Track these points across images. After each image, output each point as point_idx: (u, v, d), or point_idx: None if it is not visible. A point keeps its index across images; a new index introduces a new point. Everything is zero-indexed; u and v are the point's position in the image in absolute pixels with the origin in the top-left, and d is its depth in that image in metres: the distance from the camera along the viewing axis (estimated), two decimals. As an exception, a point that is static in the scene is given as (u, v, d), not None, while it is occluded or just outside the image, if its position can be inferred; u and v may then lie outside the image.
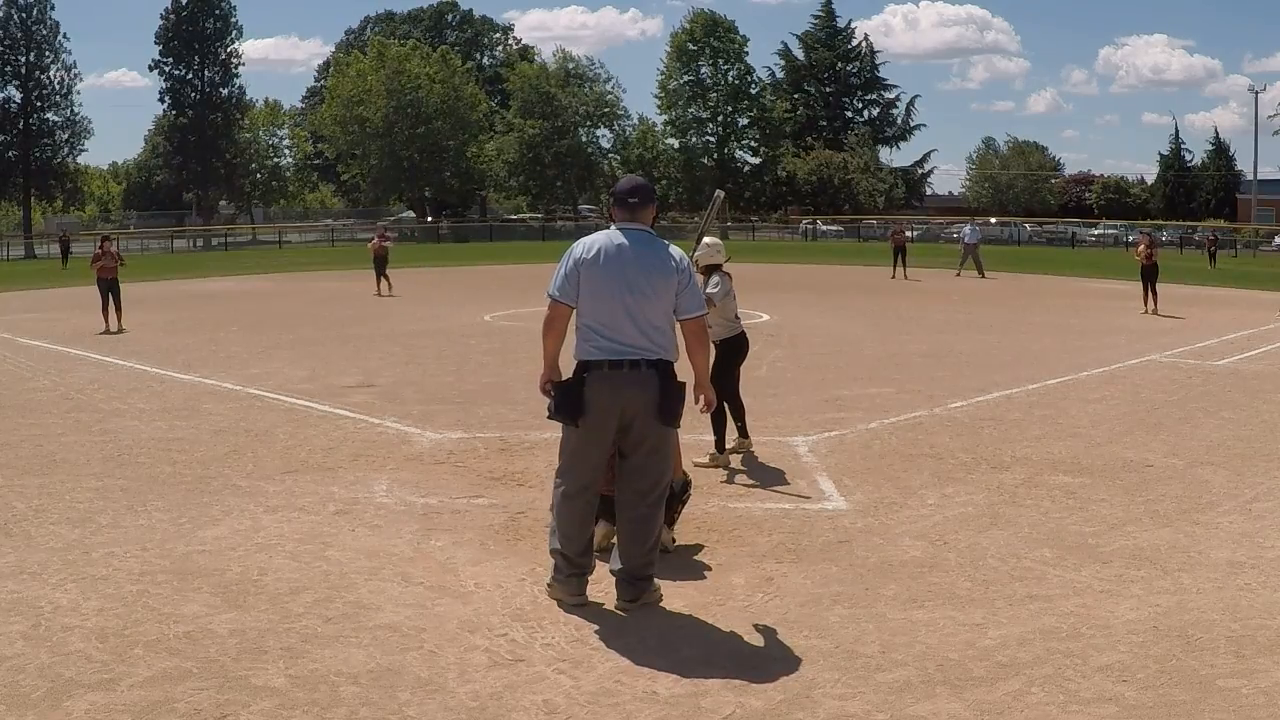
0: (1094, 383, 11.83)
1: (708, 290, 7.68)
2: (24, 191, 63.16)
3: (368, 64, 68.85)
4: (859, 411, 9.94)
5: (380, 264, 24.74)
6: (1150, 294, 20.23)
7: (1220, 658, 4.45)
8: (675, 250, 5.05)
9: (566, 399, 4.89)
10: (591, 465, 4.98)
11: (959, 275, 30.96)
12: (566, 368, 5.04)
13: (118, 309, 17.43)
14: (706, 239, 8.21)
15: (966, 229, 34.77)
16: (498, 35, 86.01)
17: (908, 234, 31.56)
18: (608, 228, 5.10)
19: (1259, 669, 4.33)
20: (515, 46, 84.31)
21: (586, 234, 5.28)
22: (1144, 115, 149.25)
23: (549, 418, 5.05)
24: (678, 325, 5.02)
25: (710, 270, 8.00)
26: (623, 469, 5.01)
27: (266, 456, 8.08)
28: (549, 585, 5.11)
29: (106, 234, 23.70)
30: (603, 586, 5.28)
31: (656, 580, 5.09)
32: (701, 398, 5.14)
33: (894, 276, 29.99)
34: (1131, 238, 57.64)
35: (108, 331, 16.83)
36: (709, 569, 5.56)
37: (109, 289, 17.57)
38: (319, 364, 13.15)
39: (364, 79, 68.12)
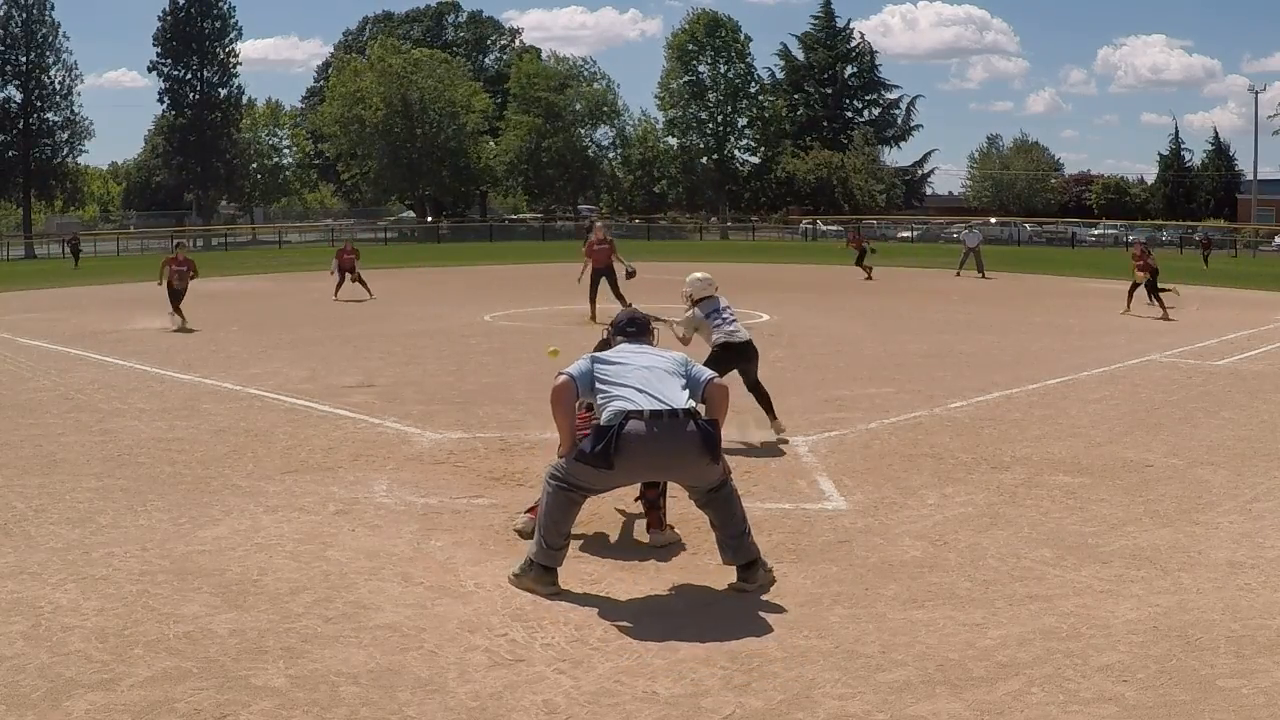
0: (1094, 383, 11.82)
1: (676, 321, 8.49)
2: (24, 191, 63.16)
3: (366, 65, 68.90)
4: (859, 411, 9.94)
5: (349, 274, 23.99)
6: (1155, 300, 19.95)
7: (1220, 658, 4.45)
8: (676, 354, 5.59)
9: (604, 442, 5.05)
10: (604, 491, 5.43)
11: (959, 275, 30.97)
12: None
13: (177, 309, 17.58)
14: (697, 274, 9.04)
15: (966, 230, 34.78)
16: (504, 36, 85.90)
17: (868, 244, 32.35)
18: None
19: (1259, 669, 4.33)
20: (519, 47, 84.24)
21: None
22: (1143, 115, 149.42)
23: (580, 460, 5.13)
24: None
25: (701, 302, 8.72)
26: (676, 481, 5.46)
27: (266, 456, 8.08)
28: (517, 576, 5.26)
29: (180, 240, 23.19)
30: (603, 585, 5.29)
31: (768, 562, 5.38)
32: None
33: (870, 278, 30.10)
34: (1131, 238, 57.82)
35: (182, 329, 16.97)
36: (709, 569, 5.56)
37: (178, 296, 17.78)
38: (319, 364, 13.15)
39: (361, 77, 68.15)
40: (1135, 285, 20.58)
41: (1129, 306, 20.24)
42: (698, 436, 5.10)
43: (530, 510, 5.93)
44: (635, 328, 5.77)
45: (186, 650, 4.47)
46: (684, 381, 5.32)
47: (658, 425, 5.06)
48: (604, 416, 5.16)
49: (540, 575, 5.18)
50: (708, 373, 5.45)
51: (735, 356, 8.55)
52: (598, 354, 5.51)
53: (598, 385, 5.27)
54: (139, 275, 33.06)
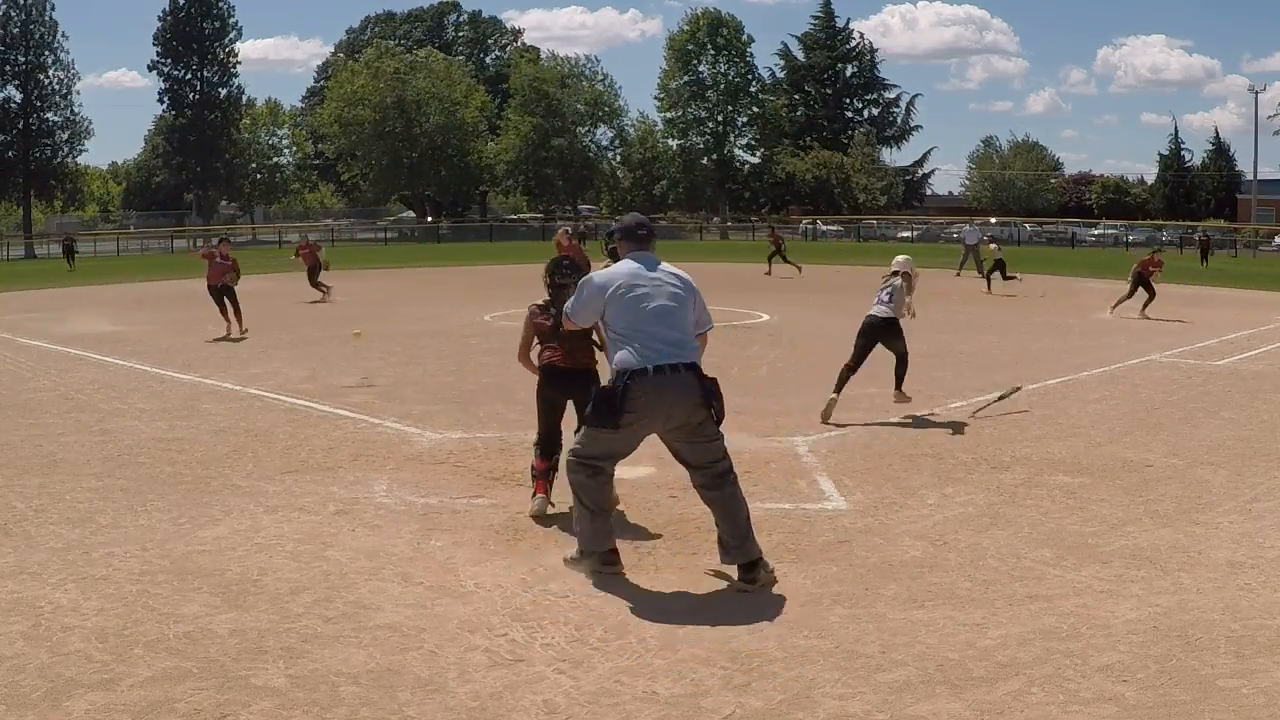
0: (1094, 383, 11.82)
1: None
2: (24, 191, 63.14)
3: (360, 67, 68.91)
4: (859, 411, 9.93)
5: (312, 273, 23.50)
6: (1147, 299, 19.87)
7: (1220, 658, 4.45)
8: (687, 279, 5.54)
9: (609, 404, 5.19)
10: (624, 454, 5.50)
11: (959, 275, 30.95)
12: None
13: (236, 312, 16.17)
14: (899, 256, 10.72)
15: (967, 229, 34.78)
16: (504, 36, 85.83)
17: (783, 239, 33.96)
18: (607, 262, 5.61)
19: (1259, 669, 4.33)
20: (520, 47, 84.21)
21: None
22: (1143, 115, 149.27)
23: (591, 426, 5.36)
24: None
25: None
26: (681, 458, 5.46)
27: (266, 456, 8.08)
28: (574, 560, 5.45)
29: (223, 235, 21.13)
30: (603, 585, 5.28)
31: (769, 562, 5.37)
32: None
33: (768, 273, 30.95)
34: (1131, 237, 57.82)
35: (227, 337, 15.68)
36: (709, 569, 5.56)
37: (222, 294, 16.23)
38: (319, 364, 13.15)
39: (356, 77, 68.17)
40: (1144, 287, 20.22)
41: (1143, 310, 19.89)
42: (698, 389, 5.23)
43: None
44: (646, 231, 5.66)
45: (186, 650, 4.47)
46: (693, 314, 5.44)
47: (661, 379, 5.16)
48: (613, 362, 5.27)
49: (600, 559, 5.38)
50: (709, 322, 5.60)
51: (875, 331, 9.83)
52: (605, 283, 5.37)
53: (611, 320, 5.32)
54: (136, 275, 33.12)
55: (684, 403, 5.21)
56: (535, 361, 6.60)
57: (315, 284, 23.41)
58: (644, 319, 5.25)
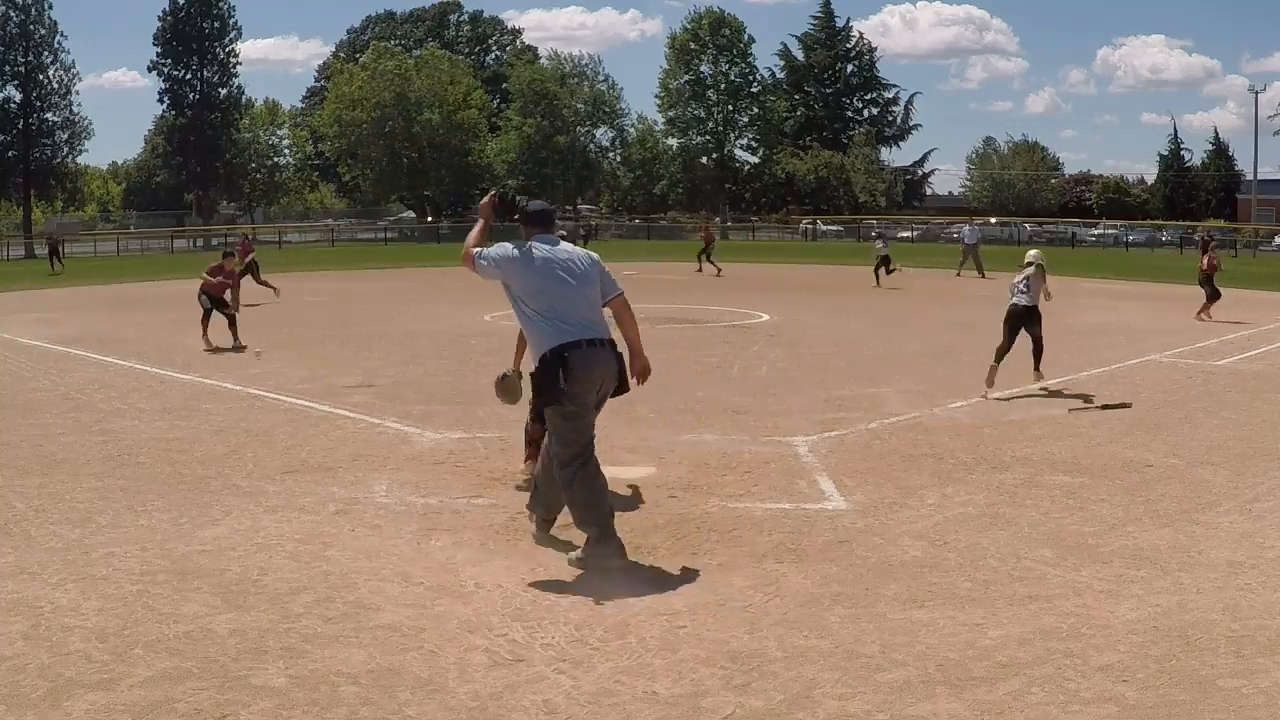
0: (1094, 383, 11.83)
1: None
2: (24, 191, 63.13)
3: (358, 69, 68.95)
4: (859, 411, 9.94)
5: (253, 273, 22.69)
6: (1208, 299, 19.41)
7: (1220, 658, 4.45)
8: (592, 257, 5.94)
9: (553, 378, 5.50)
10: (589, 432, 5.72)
11: (959, 275, 30.95)
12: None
13: (231, 325, 14.84)
14: (1031, 250, 12.14)
15: (966, 229, 34.77)
16: (505, 36, 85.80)
17: (714, 237, 34.09)
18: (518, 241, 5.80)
19: (1259, 669, 4.33)
20: (519, 47, 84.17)
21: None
22: (1143, 115, 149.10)
23: (541, 404, 5.71)
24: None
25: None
26: None
27: (266, 456, 8.08)
28: (581, 558, 5.55)
29: (228, 250, 19.43)
30: (603, 585, 5.28)
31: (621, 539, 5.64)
32: (638, 365, 6.01)
33: (699, 270, 31.09)
34: (1131, 238, 57.83)
35: (213, 349, 14.32)
36: (709, 569, 5.56)
37: (215, 305, 15.01)
38: (319, 364, 13.15)
39: (353, 79, 68.20)
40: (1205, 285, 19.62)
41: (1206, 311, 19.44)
42: (616, 362, 5.74)
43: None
44: (550, 216, 6.06)
45: (186, 650, 4.47)
46: (600, 289, 5.80)
47: (591, 351, 5.59)
48: (539, 342, 5.58)
49: (604, 546, 5.50)
50: (617, 288, 5.90)
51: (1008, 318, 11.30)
52: (513, 253, 5.66)
53: (527, 299, 5.61)
54: (136, 276, 33.11)
55: (608, 374, 5.68)
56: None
57: (262, 282, 22.82)
58: (563, 299, 5.60)
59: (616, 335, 5.85)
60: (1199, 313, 19.01)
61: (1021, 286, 11.36)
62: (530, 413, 6.96)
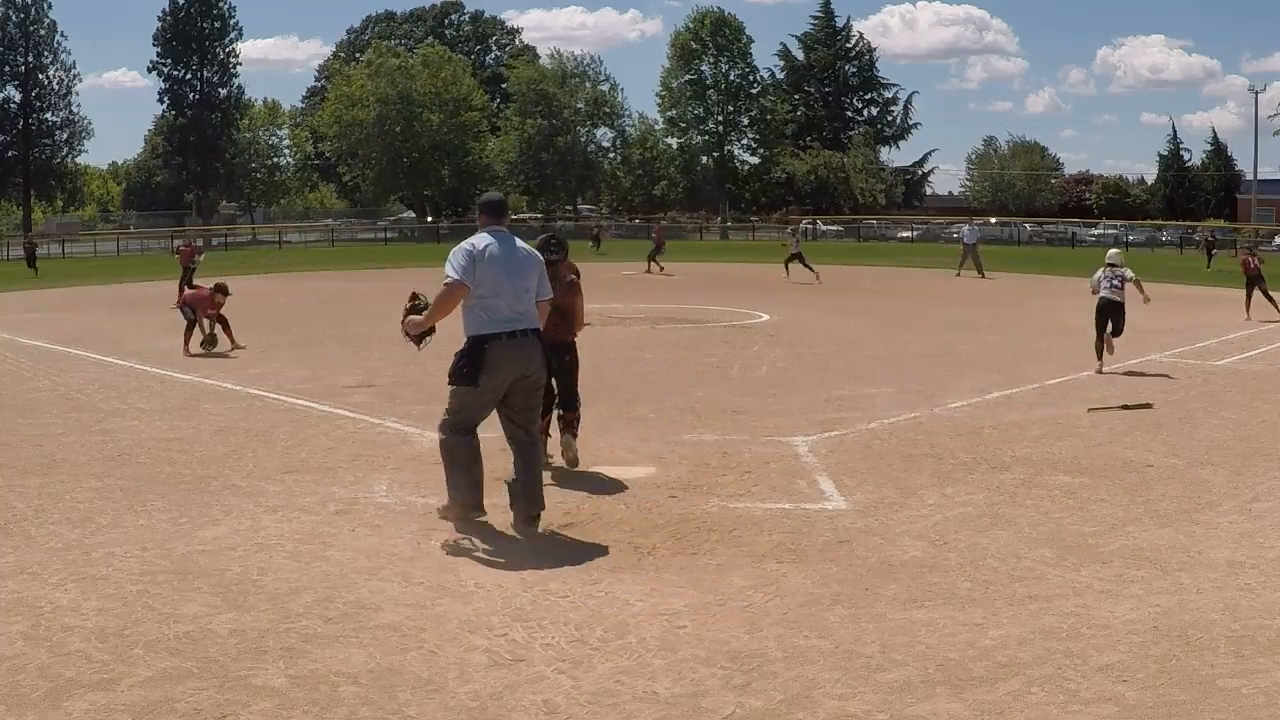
0: (1094, 383, 11.83)
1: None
2: (24, 192, 63.15)
3: (361, 68, 68.97)
4: (859, 411, 9.94)
5: (187, 274, 21.72)
6: (1248, 300, 19.33)
7: (1220, 658, 4.45)
8: (535, 254, 6.43)
9: (470, 365, 6.01)
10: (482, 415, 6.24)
11: (959, 275, 30.96)
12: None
13: (224, 327, 14.50)
14: (1112, 250, 13.94)
15: (965, 229, 34.77)
16: (505, 36, 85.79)
17: (664, 241, 34.56)
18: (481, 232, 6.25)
19: (1259, 669, 4.33)
20: (518, 47, 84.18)
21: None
22: (1143, 115, 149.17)
23: (454, 385, 6.13)
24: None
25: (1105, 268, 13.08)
26: (509, 406, 6.21)
27: (266, 456, 8.08)
28: (443, 510, 6.22)
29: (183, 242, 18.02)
30: (603, 585, 5.29)
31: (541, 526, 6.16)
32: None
33: (648, 271, 31.62)
34: (1131, 238, 57.79)
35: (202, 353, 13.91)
36: (709, 569, 5.56)
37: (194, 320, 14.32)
38: (319, 364, 13.15)
39: (352, 81, 68.22)
40: (1250, 289, 19.53)
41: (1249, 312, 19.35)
42: (540, 351, 6.17)
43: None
44: (503, 208, 6.50)
45: (186, 650, 4.47)
46: (536, 286, 6.24)
47: (513, 342, 6.02)
48: (468, 327, 6.08)
49: (468, 508, 6.09)
50: (548, 293, 6.37)
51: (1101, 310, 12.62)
52: (474, 250, 6.07)
53: (475, 284, 6.03)
54: (135, 276, 33.08)
55: (531, 363, 6.11)
56: None
57: (193, 287, 21.00)
58: (500, 289, 6.05)
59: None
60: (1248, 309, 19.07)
61: (1115, 284, 12.68)
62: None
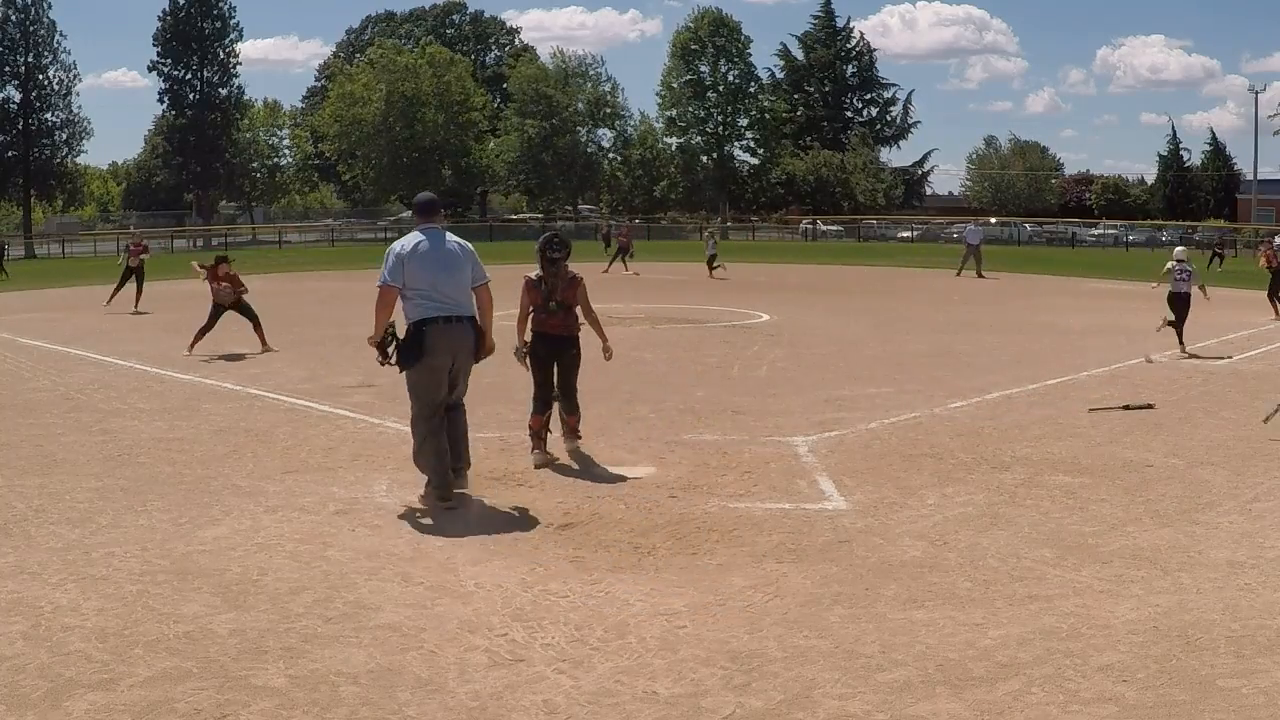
0: (1094, 383, 11.82)
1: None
2: (24, 192, 63.12)
3: (364, 66, 68.97)
4: (859, 411, 9.94)
5: (131, 275, 21.08)
6: (1273, 301, 19.27)
7: (1220, 658, 4.45)
8: (462, 240, 7.02)
9: (414, 347, 6.67)
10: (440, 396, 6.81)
11: (959, 275, 30.93)
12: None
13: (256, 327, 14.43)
14: (1180, 247, 15.99)
15: (970, 228, 34.71)
16: (505, 36, 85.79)
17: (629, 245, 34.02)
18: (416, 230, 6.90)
19: (1259, 669, 4.33)
20: (518, 46, 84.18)
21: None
22: (1142, 115, 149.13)
23: (403, 369, 6.76)
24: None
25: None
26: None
27: (266, 456, 8.08)
28: (423, 496, 6.73)
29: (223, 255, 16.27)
30: (603, 585, 5.29)
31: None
32: (485, 344, 6.93)
33: (606, 271, 30.91)
34: (1131, 238, 57.80)
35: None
36: (709, 569, 5.56)
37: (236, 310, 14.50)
38: (319, 364, 13.15)
39: (356, 79, 68.22)
40: (1275, 286, 19.34)
41: (1277, 312, 19.20)
42: (473, 337, 6.79)
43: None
44: (433, 207, 7.06)
45: (186, 650, 4.47)
46: (469, 275, 6.82)
47: (449, 327, 6.65)
48: (409, 316, 6.71)
49: (441, 496, 6.62)
50: (484, 277, 6.92)
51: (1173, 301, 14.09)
52: (402, 252, 6.72)
53: (405, 281, 6.68)
54: (109, 278, 33.04)
55: (464, 347, 6.74)
56: (529, 328, 7.86)
57: (125, 285, 20.88)
58: (434, 281, 6.67)
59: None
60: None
61: (1185, 276, 14.47)
62: (532, 405, 7.91)
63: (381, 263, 6.78)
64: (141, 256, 21.57)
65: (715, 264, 29.94)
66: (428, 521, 6.39)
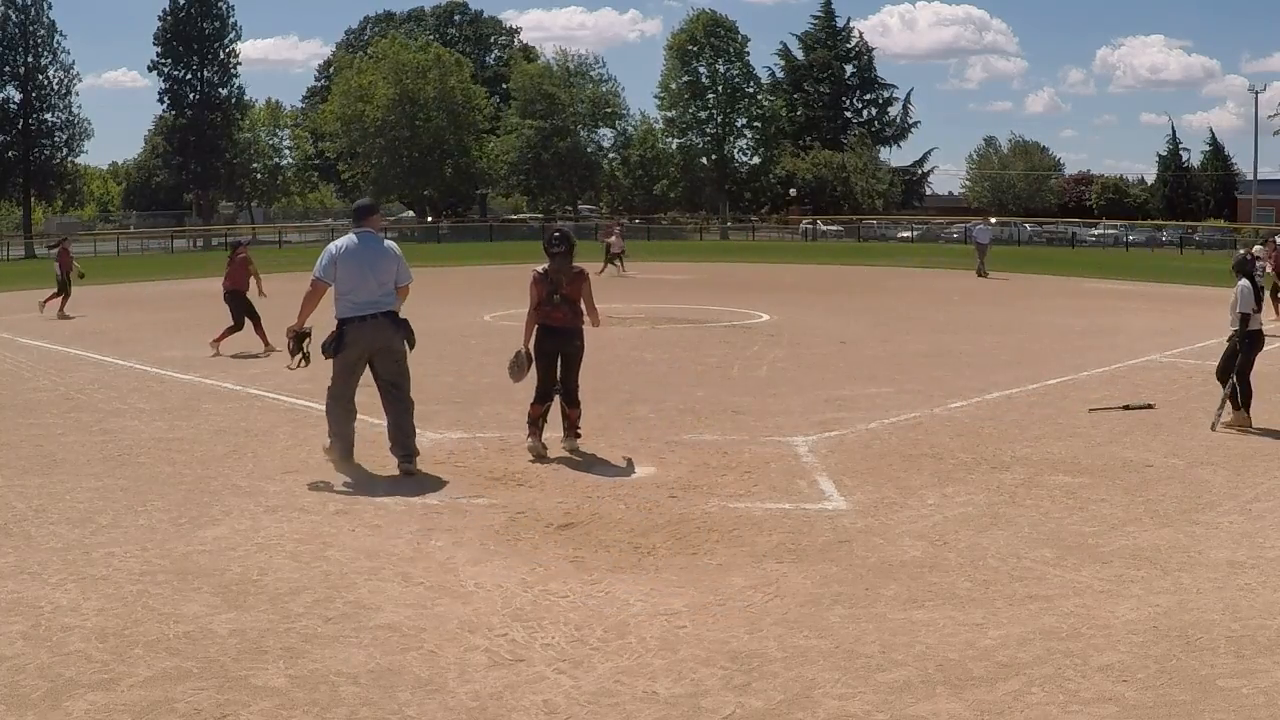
0: (1094, 383, 11.82)
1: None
2: (24, 192, 63.11)
3: (371, 63, 68.98)
4: (859, 411, 9.94)
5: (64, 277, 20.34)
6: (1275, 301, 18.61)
7: (1220, 658, 4.45)
8: (392, 243, 7.85)
9: (334, 342, 7.44)
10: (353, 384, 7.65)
11: (986, 276, 30.51)
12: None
13: (256, 324, 14.37)
14: (1257, 246, 15.98)
15: (979, 227, 34.59)
16: (503, 36, 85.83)
17: (622, 241, 33.13)
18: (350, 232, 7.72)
19: (1259, 669, 4.33)
20: (518, 47, 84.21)
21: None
22: (1142, 115, 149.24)
23: (326, 357, 7.50)
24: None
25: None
26: (374, 370, 7.64)
27: (266, 456, 8.08)
28: (327, 449, 7.62)
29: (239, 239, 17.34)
30: (603, 585, 5.29)
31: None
32: None
33: (601, 271, 30.22)
34: (1131, 238, 57.79)
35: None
36: (709, 569, 5.56)
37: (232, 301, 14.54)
38: (319, 364, 13.10)
39: (364, 74, 68.20)
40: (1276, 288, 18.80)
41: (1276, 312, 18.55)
42: (393, 326, 7.54)
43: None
44: (368, 211, 7.87)
45: (186, 650, 4.47)
46: (394, 275, 7.59)
47: (365, 324, 7.41)
48: (335, 313, 7.45)
49: (341, 455, 7.54)
50: (407, 279, 7.71)
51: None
52: (336, 252, 7.49)
53: (336, 278, 7.43)
54: (136, 276, 33.11)
55: (382, 338, 7.48)
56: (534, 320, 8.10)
57: (62, 293, 19.94)
58: (359, 281, 7.41)
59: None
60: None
61: (1259, 265, 14.80)
62: (535, 392, 8.08)
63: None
64: (70, 262, 20.61)
65: (614, 260, 29.97)
66: (427, 521, 6.39)
